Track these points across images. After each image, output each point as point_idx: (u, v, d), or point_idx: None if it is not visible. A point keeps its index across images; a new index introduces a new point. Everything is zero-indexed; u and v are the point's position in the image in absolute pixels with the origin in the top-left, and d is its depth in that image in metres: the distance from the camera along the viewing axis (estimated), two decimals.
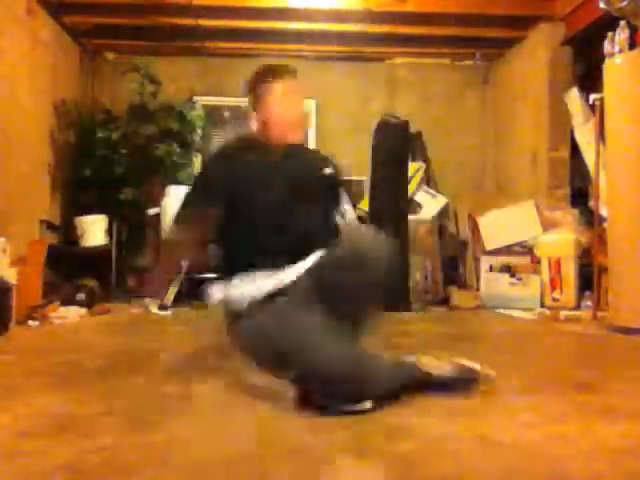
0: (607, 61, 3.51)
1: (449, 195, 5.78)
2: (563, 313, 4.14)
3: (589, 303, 4.28)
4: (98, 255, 5.12)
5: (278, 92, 1.79)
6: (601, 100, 3.77)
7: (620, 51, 3.43)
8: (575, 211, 4.95)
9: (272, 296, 1.67)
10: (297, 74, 1.85)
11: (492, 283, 4.92)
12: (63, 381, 2.09)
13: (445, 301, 5.04)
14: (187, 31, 5.57)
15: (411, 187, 5.32)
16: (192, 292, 5.58)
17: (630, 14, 3.44)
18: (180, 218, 1.85)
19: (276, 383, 1.79)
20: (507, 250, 5.00)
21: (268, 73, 1.85)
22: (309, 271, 1.66)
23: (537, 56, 5.44)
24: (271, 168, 1.78)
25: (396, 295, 4.56)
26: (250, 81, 1.86)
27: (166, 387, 2.00)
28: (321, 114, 6.46)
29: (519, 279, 4.82)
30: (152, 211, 4.98)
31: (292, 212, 1.70)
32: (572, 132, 5.05)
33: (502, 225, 5.10)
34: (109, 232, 5.23)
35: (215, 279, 1.85)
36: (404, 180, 4.83)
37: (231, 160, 1.82)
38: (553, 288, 4.68)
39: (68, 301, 4.20)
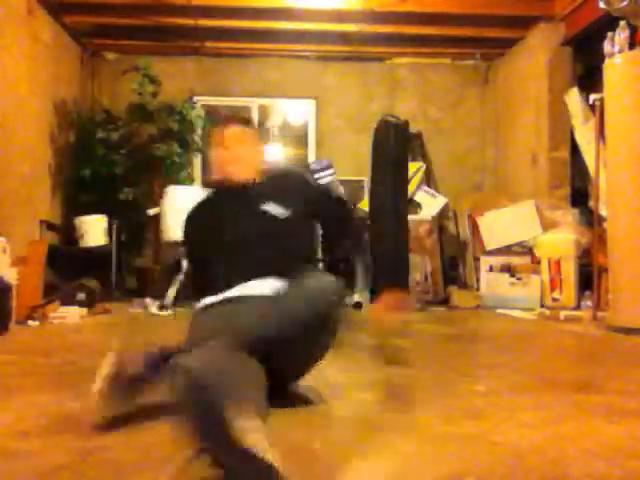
0: (607, 61, 3.51)
1: (449, 195, 5.79)
2: (563, 313, 4.14)
3: (589, 303, 4.28)
4: (98, 255, 5.11)
5: (211, 139, 2.02)
6: (601, 100, 3.77)
7: (620, 51, 3.43)
8: (575, 211, 4.95)
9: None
10: (236, 120, 2.05)
11: (492, 283, 4.92)
12: (63, 381, 2.09)
13: (445, 301, 5.04)
14: (187, 31, 5.58)
15: (411, 187, 5.32)
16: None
17: (630, 14, 3.44)
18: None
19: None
20: (507, 250, 5.01)
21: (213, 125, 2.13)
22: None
23: (537, 56, 5.44)
24: (220, 211, 1.97)
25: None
26: None
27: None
28: (321, 114, 6.47)
29: (519, 279, 4.82)
30: (152, 211, 4.98)
31: (238, 249, 1.85)
32: (572, 132, 5.05)
33: (502, 225, 5.10)
34: (109, 232, 5.23)
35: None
36: (404, 180, 4.83)
37: (194, 216, 2.03)
38: (553, 288, 4.68)
39: (68, 301, 4.20)
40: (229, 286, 1.77)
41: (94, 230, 5.14)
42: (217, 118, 2.24)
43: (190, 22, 5.31)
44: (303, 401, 1.75)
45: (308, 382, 1.80)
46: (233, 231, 1.87)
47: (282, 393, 1.70)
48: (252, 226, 1.87)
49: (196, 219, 2.01)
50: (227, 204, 1.94)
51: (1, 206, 4.17)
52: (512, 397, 1.88)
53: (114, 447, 1.37)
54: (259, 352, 1.50)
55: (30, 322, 3.63)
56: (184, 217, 2.03)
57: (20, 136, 4.53)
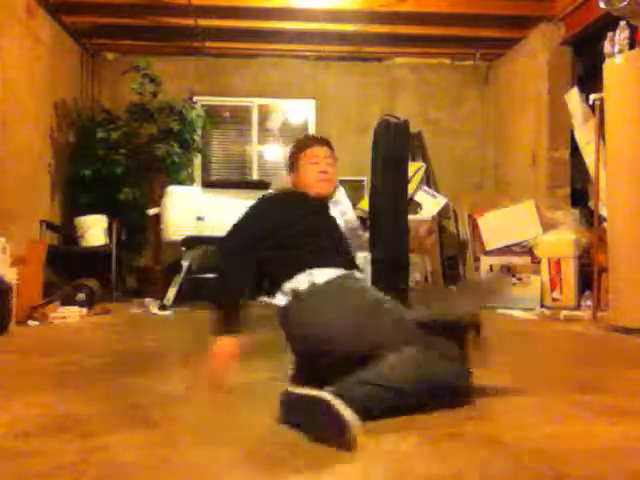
0: (607, 61, 3.51)
1: (449, 195, 5.79)
2: (563, 313, 4.14)
3: (589, 303, 4.27)
4: (98, 255, 5.12)
5: (304, 158, 2.29)
6: (601, 100, 3.77)
7: (620, 51, 3.43)
8: (575, 211, 4.94)
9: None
10: (325, 142, 2.33)
11: None
12: (63, 381, 2.09)
13: None
14: (187, 31, 5.57)
15: (411, 187, 5.32)
16: (192, 292, 5.57)
17: (630, 14, 3.44)
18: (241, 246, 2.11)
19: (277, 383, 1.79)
20: (507, 250, 5.00)
21: (299, 144, 2.38)
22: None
23: (537, 56, 5.44)
24: (313, 212, 2.26)
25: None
26: (290, 150, 2.40)
27: (166, 387, 2.00)
28: (321, 114, 6.46)
29: (519, 279, 4.82)
30: (152, 211, 4.98)
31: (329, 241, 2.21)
32: (572, 132, 5.05)
33: (502, 225, 5.10)
34: (109, 232, 5.23)
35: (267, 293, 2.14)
36: (404, 180, 4.82)
37: (282, 203, 2.28)
38: (553, 288, 4.68)
39: (68, 301, 4.20)
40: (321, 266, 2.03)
41: (94, 230, 5.14)
42: (307, 138, 2.53)
43: (190, 22, 5.31)
44: None
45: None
46: (318, 226, 2.20)
47: None
48: (330, 229, 2.26)
49: (283, 208, 2.23)
50: (311, 208, 2.24)
51: (1, 206, 4.17)
52: (512, 397, 1.88)
53: (114, 447, 1.37)
54: None
55: (30, 322, 3.63)
56: (263, 202, 2.22)
57: (20, 136, 4.53)
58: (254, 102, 6.48)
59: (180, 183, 5.49)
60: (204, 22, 5.33)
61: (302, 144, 2.36)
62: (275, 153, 6.70)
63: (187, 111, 5.68)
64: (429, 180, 6.07)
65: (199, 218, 4.63)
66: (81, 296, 4.33)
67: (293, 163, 2.34)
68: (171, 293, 4.54)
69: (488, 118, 6.49)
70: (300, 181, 2.29)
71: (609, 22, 3.67)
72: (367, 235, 4.87)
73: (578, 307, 4.51)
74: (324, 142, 2.34)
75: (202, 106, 6.14)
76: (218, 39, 5.86)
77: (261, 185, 5.19)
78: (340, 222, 2.53)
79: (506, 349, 2.99)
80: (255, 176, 6.49)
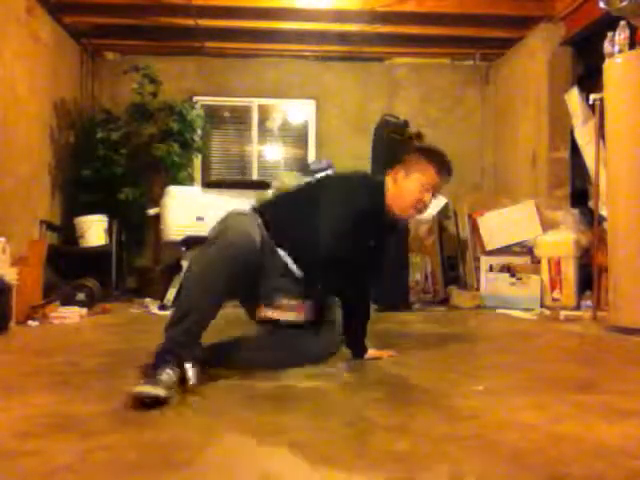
0: (607, 61, 3.51)
1: (449, 195, 5.78)
2: (563, 313, 4.14)
3: (589, 303, 4.27)
4: (98, 255, 5.11)
5: (423, 178, 2.23)
6: (601, 100, 3.77)
7: (620, 51, 3.42)
8: (575, 211, 4.94)
9: None
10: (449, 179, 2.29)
11: (492, 283, 4.92)
12: (63, 381, 2.09)
13: (445, 301, 5.04)
14: (187, 31, 5.58)
15: None
16: None
17: (630, 14, 3.44)
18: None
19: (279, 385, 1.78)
20: (507, 250, 5.00)
21: (437, 159, 2.26)
22: None
23: (537, 56, 5.44)
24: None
25: (396, 295, 4.56)
26: (421, 151, 2.30)
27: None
28: (321, 114, 6.46)
29: (519, 279, 4.82)
30: (152, 211, 4.98)
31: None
32: (572, 132, 5.05)
33: (502, 225, 5.10)
34: (109, 232, 5.23)
35: None
36: None
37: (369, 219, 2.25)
38: (553, 288, 4.68)
39: (68, 301, 4.20)
40: None
41: (94, 230, 5.14)
42: (446, 164, 2.34)
43: (190, 22, 5.31)
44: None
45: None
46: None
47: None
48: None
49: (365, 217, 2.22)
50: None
51: (1, 206, 4.17)
52: (512, 397, 1.88)
53: (114, 447, 1.37)
54: None
55: (30, 322, 3.63)
56: (356, 206, 2.19)
57: (20, 136, 4.53)
58: (254, 102, 6.48)
59: (180, 183, 5.50)
60: (204, 22, 5.33)
61: (439, 164, 2.25)
62: (275, 153, 6.70)
63: (187, 111, 5.68)
64: None
65: (199, 218, 4.63)
66: (81, 296, 4.33)
67: (408, 165, 2.26)
68: (171, 293, 4.54)
69: (488, 118, 6.49)
70: (397, 191, 2.26)
71: (609, 22, 3.67)
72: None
73: (578, 307, 4.51)
74: (449, 179, 2.29)
75: (202, 106, 6.14)
76: (218, 39, 5.86)
77: (261, 185, 5.19)
78: None
79: (506, 349, 3.00)
80: (255, 176, 6.49)
